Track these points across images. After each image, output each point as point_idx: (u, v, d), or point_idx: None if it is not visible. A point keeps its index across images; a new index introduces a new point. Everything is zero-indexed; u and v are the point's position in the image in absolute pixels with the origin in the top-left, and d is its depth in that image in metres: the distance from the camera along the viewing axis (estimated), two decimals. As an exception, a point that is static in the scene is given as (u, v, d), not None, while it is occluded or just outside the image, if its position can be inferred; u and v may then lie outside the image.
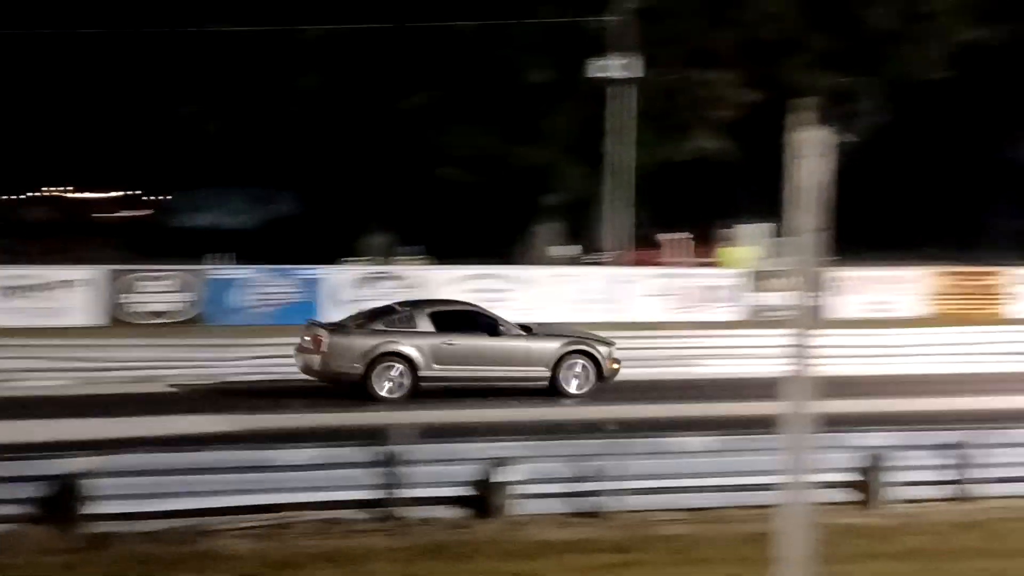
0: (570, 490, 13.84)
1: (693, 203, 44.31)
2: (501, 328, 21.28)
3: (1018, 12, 44.44)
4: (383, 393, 20.26)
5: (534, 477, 13.76)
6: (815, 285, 6.19)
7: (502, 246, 39.49)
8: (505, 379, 21.00)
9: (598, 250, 38.61)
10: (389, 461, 13.50)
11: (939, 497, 14.61)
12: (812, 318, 6.15)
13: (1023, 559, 12.14)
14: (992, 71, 50.56)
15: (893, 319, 30.07)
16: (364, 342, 20.48)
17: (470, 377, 20.84)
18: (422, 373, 20.51)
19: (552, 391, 20.91)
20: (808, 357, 6.12)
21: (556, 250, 39.82)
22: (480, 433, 15.56)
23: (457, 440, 14.59)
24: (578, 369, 21.10)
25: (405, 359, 20.46)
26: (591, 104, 39.06)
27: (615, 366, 21.31)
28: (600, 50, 38.24)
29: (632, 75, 37.90)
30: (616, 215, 38.99)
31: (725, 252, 36.78)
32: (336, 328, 21.18)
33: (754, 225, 36.16)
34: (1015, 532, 13.29)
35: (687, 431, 15.35)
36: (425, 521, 13.25)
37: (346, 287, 29.79)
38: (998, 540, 13.00)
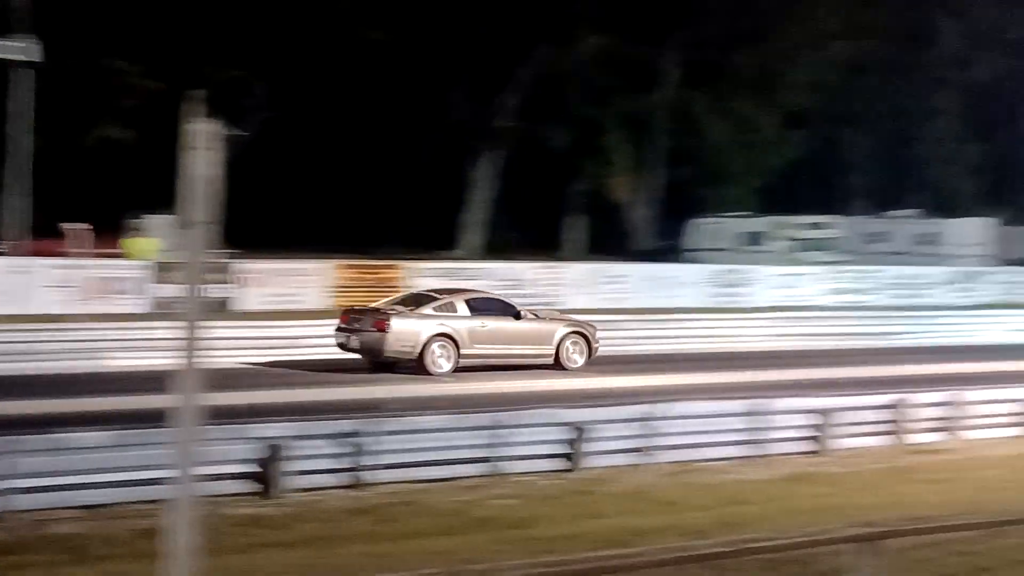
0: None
1: (99, 192, 43.26)
2: (520, 313, 25.07)
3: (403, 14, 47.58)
4: (434, 369, 23.52)
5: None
6: (205, 277, 6.20)
7: None
8: (523, 356, 24.72)
9: (-4, 239, 36.67)
10: None
11: (335, 485, 15.09)
12: (202, 310, 6.14)
13: (408, 541, 12.79)
14: (394, 70, 53.51)
15: (296, 311, 30.72)
16: (421, 325, 23.70)
17: (498, 355, 24.44)
18: (463, 351, 23.88)
19: (555, 366, 24.71)
20: (198, 349, 6.11)
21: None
22: None
23: None
24: (577, 348, 25.07)
25: (451, 339, 23.82)
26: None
27: (597, 345, 25.35)
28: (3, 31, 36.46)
29: (31, 58, 36.30)
30: (14, 203, 37.18)
31: (129, 243, 36.05)
32: (396, 313, 23.91)
33: (158, 216, 35.67)
34: (402, 516, 13.99)
35: (85, 426, 14.84)
36: None
37: None
38: (387, 524, 13.61)
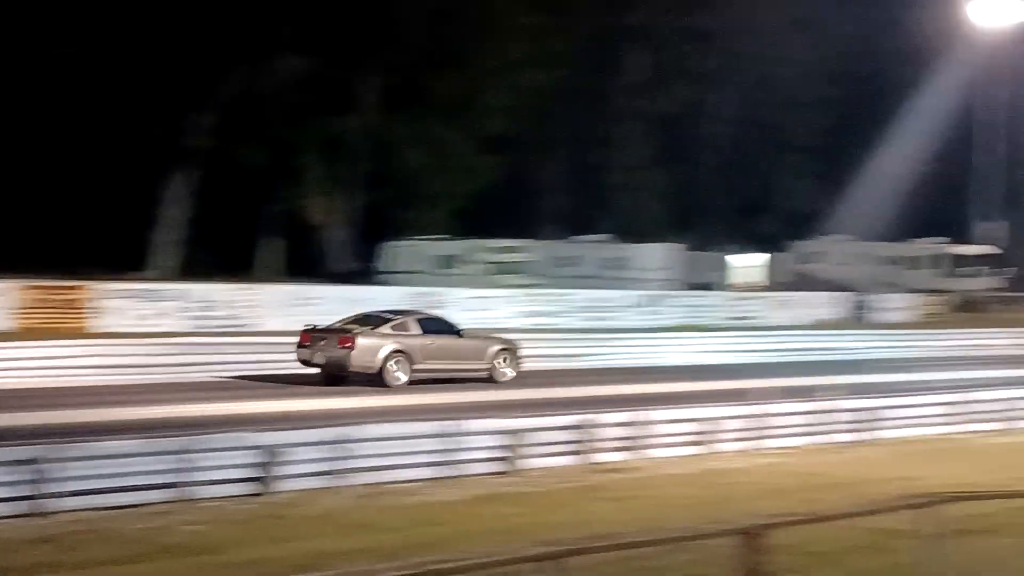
0: None
1: None
2: (461, 331, 28.04)
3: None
4: (392, 382, 26.26)
5: None
6: None
7: None
8: (463, 371, 27.53)
9: None
10: None
11: (13, 514, 14.45)
12: None
13: (93, 570, 12.39)
14: (87, 86, 51.85)
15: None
16: (381, 342, 26.44)
17: (444, 368, 27.28)
18: (415, 366, 26.61)
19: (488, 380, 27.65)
20: None
21: None
22: None
23: None
24: (507, 363, 28.17)
25: (406, 355, 26.57)
26: None
27: (520, 361, 28.46)
28: None
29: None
30: None
31: None
32: (360, 332, 26.56)
33: None
34: (87, 544, 13.52)
35: None
36: None
37: None
38: (70, 553, 13.15)
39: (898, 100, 67.54)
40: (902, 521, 10.17)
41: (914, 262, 63.12)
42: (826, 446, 22.24)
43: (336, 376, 26.53)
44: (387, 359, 26.27)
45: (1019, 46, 64.86)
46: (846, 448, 22.21)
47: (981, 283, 60.66)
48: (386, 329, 27.00)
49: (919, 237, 64.10)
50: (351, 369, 26.37)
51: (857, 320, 50.64)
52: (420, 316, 28.32)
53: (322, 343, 26.57)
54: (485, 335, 29.11)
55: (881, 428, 23.12)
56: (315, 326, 27.32)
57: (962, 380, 29.41)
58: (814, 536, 11.19)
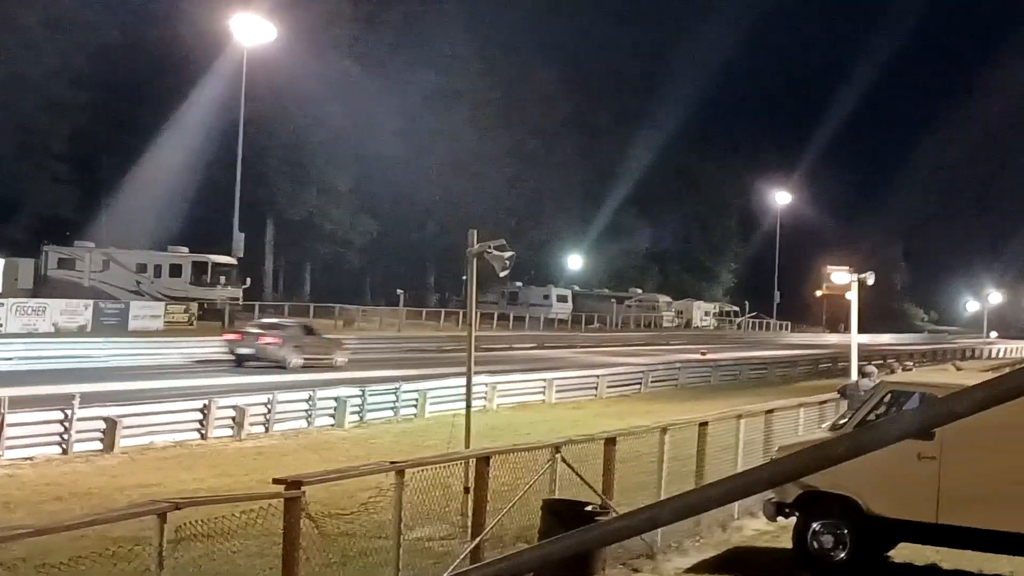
0: None
1: None
2: (317, 331, 46.10)
3: None
4: (292, 365, 41.10)
5: None
6: None
7: None
8: (321, 359, 42.65)
9: None
10: None
11: None
12: None
13: None
14: None
15: None
16: (285, 337, 42.43)
17: (314, 357, 42.21)
18: (305, 355, 41.87)
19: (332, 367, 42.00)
20: None
21: None
22: None
23: None
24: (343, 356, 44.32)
25: (300, 348, 42.27)
26: None
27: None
28: None
29: None
30: None
31: None
32: (274, 331, 43.22)
33: None
34: None
35: None
36: None
37: None
38: None
39: (165, 109, 68.03)
40: (139, 528, 10.18)
41: (163, 270, 63.82)
42: (71, 456, 21.73)
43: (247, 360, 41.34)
44: (291, 349, 41.87)
45: (276, 64, 67.90)
46: (94, 457, 21.87)
47: (224, 292, 62.61)
48: (293, 330, 43.89)
49: (177, 245, 64.97)
50: (272, 358, 41.04)
51: (108, 327, 50.24)
52: (304, 322, 49.29)
53: (247, 340, 42.33)
54: (327, 336, 47.24)
55: (125, 436, 22.99)
56: (244, 328, 45.10)
57: (206, 387, 30.13)
58: (46, 548, 10.89)
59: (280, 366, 40.21)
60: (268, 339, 41.51)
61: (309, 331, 44.60)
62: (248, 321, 49.46)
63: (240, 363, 40.78)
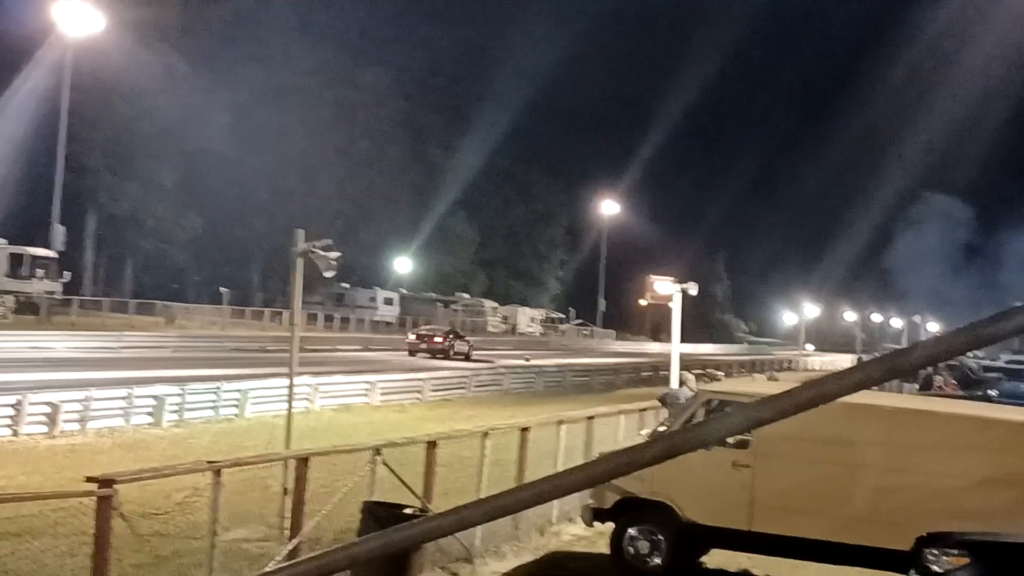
0: None
1: None
2: (460, 334, 68.35)
3: None
4: (455, 354, 62.64)
5: None
6: None
7: None
8: (462, 351, 63.12)
9: None
10: None
11: None
12: None
13: None
14: None
15: None
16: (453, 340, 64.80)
17: (459, 352, 62.47)
18: (455, 349, 63.22)
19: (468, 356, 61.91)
20: None
21: None
22: None
23: None
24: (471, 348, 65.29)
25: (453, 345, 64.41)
26: None
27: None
28: None
29: None
30: None
31: None
32: (450, 336, 65.94)
33: None
34: None
35: None
36: None
37: None
38: None
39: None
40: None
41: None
42: None
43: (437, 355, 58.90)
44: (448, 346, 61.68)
45: (103, 54, 66.25)
46: None
47: (41, 286, 60.76)
48: (446, 334, 63.99)
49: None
50: (451, 355, 59.32)
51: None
52: (452, 329, 68.90)
53: (426, 340, 62.17)
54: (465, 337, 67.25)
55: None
56: (419, 331, 65.13)
57: (20, 383, 29.21)
58: None
59: (445, 356, 59.96)
60: (436, 340, 62.53)
61: (456, 335, 65.57)
62: (411, 329, 71.14)
63: (413, 354, 60.19)
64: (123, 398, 27.33)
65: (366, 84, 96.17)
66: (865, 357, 58.20)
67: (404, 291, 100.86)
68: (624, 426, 21.84)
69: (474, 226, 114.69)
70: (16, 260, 61.50)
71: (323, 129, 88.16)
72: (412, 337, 63.65)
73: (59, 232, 63.40)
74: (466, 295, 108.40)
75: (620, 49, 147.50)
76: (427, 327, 70.03)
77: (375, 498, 13.34)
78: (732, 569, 15.75)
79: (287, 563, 6.37)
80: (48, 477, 18.95)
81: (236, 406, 30.28)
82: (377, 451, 13.83)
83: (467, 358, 60.55)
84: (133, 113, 74.28)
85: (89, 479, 10.34)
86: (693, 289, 30.20)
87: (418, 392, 39.20)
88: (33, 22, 64.72)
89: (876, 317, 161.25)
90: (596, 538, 16.61)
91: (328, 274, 16.67)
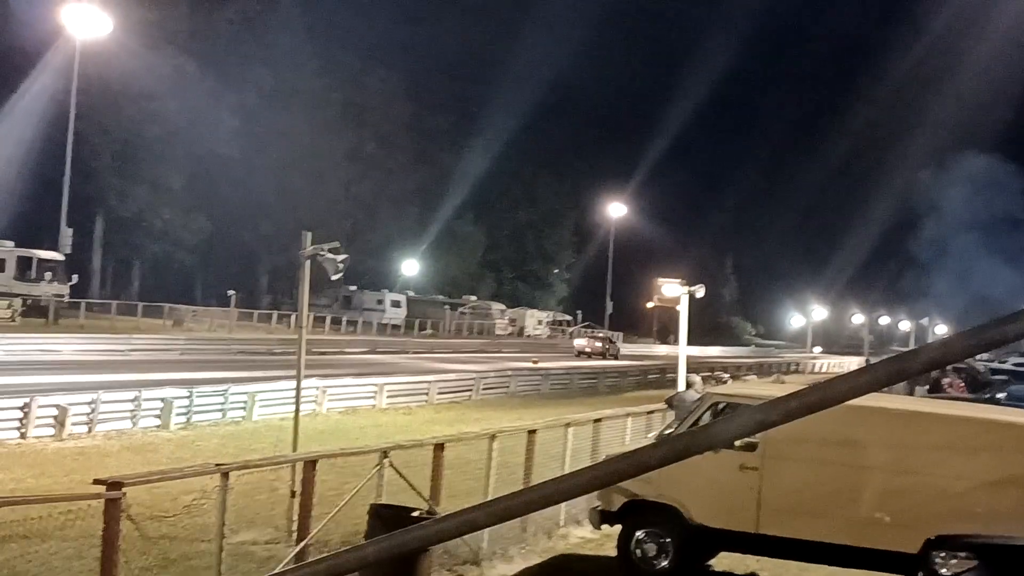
0: None
1: None
2: (613, 338, 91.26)
3: None
4: (610, 355, 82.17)
5: None
6: None
7: None
8: (615, 352, 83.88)
9: None
10: None
11: None
12: None
13: None
14: None
15: None
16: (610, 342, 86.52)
17: (613, 353, 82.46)
18: (610, 351, 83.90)
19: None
20: None
21: None
22: None
23: None
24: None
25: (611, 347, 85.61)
26: None
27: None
28: None
29: None
30: None
31: None
32: (610, 339, 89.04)
33: None
34: None
35: None
36: None
37: None
38: None
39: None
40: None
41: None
42: None
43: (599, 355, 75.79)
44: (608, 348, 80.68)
45: (110, 57, 66.35)
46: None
47: (49, 288, 60.83)
48: (607, 337, 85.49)
49: (1, 239, 62.98)
50: (607, 354, 77.19)
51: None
52: (609, 335, 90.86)
53: (591, 342, 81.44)
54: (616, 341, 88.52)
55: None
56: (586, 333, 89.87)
57: (29, 385, 29.24)
58: None
59: (602, 356, 76.56)
60: (598, 342, 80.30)
61: (611, 339, 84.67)
62: (571, 335, 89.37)
63: (579, 355, 75.58)
64: (131, 401, 27.35)
65: (373, 86, 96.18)
66: (873, 359, 57.95)
67: (412, 294, 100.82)
68: (631, 429, 21.83)
69: (481, 228, 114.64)
70: (24, 263, 61.58)
71: (330, 131, 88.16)
72: (581, 342, 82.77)
73: (67, 235, 63.48)
74: (473, 297, 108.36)
75: (627, 50, 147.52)
76: (590, 335, 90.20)
77: (383, 501, 13.34)
78: (740, 572, 15.74)
79: (296, 565, 6.39)
80: (56, 480, 18.98)
81: (243, 409, 30.29)
82: (384, 453, 13.84)
83: (616, 357, 77.44)
84: (141, 116, 74.32)
85: (97, 482, 10.36)
86: (701, 291, 30.14)
87: (425, 395, 39.17)
88: (41, 25, 64.83)
89: (884, 319, 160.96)
90: (603, 541, 16.59)
91: (335, 277, 16.68)
